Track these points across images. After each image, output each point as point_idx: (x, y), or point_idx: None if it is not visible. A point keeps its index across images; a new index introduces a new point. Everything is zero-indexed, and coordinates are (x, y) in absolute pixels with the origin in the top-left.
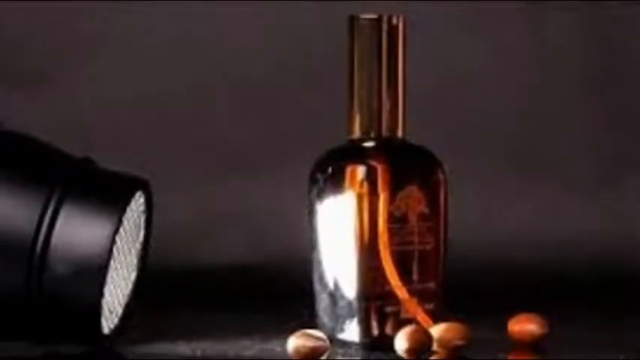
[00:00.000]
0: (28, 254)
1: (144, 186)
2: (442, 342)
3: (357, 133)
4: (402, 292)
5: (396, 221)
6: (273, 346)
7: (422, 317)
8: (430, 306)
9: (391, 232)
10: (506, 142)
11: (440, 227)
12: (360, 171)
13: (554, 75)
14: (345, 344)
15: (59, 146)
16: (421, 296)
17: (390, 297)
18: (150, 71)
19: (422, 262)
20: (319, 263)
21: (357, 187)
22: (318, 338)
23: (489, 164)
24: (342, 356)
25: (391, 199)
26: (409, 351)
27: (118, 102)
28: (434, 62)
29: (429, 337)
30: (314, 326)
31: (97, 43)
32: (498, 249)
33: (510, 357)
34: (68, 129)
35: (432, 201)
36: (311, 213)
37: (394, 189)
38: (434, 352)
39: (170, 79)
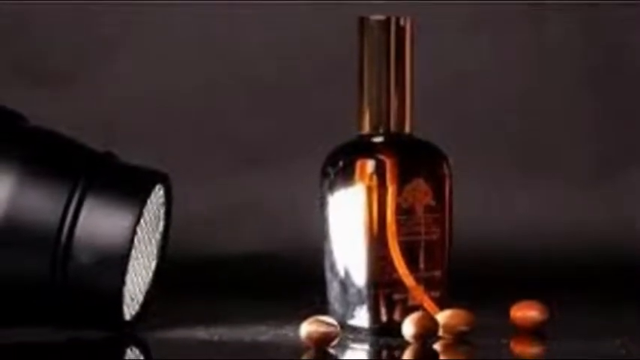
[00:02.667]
0: (53, 244)
1: (163, 179)
2: (447, 328)
3: (366, 128)
4: (409, 280)
5: (404, 213)
6: (286, 331)
7: (428, 304)
8: (436, 293)
9: (399, 223)
10: (508, 137)
11: (445, 218)
12: (370, 165)
13: (555, 72)
14: (355, 330)
15: (83, 141)
16: (427, 284)
17: (398, 285)
18: (169, 70)
19: (428, 251)
20: (330, 253)
21: (366, 180)
22: (330, 324)
23: (492, 158)
24: (353, 341)
25: (399, 191)
26: (416, 336)
27: (138, 99)
28: (440, 62)
29: (435, 323)
30: (326, 313)
31: (118, 44)
32: (501, 239)
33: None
34: (91, 125)
35: (438, 193)
36: (323, 205)
37: (402, 182)
38: (440, 338)
39: (188, 78)
